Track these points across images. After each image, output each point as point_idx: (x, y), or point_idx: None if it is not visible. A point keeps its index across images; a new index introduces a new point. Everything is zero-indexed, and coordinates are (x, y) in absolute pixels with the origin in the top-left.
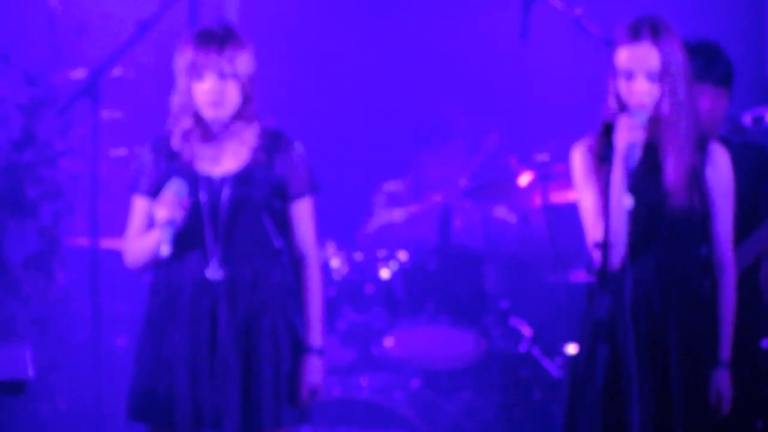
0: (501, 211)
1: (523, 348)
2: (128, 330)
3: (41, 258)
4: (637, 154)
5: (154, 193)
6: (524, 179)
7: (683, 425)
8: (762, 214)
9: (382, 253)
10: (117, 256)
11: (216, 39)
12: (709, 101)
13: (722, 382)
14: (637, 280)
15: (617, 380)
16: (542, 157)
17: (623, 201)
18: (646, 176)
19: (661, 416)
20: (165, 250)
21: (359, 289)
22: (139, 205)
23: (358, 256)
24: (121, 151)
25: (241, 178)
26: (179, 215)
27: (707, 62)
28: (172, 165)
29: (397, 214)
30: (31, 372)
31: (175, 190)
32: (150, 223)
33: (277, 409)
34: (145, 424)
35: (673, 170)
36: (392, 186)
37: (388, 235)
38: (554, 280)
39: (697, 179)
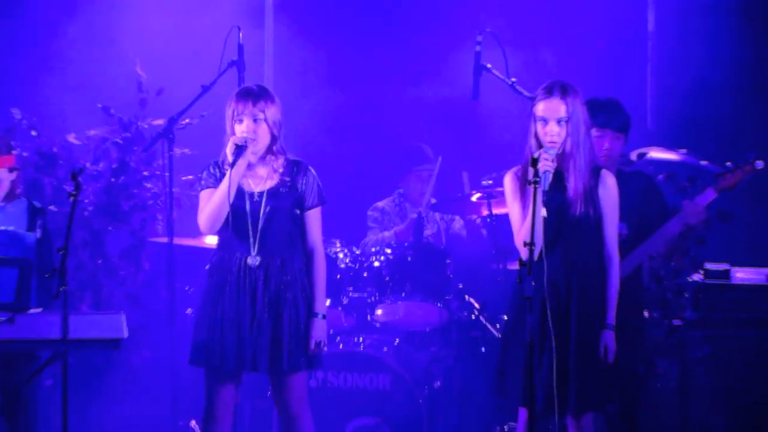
0: (458, 220)
1: (473, 316)
2: (192, 302)
3: (132, 251)
4: (550, 178)
5: (213, 187)
6: (475, 197)
7: (577, 370)
8: (652, 223)
9: (375, 249)
10: (185, 249)
11: (252, 94)
12: (609, 142)
13: (608, 339)
14: (550, 268)
15: (537, 337)
16: (487, 181)
17: (541, 212)
18: (555, 194)
19: (563, 363)
20: (230, 150)
21: (358, 274)
22: (206, 193)
23: (357, 250)
24: (188, 177)
25: (273, 194)
26: (240, 142)
27: (610, 114)
28: (222, 171)
29: (388, 234)
30: (125, 333)
31: (236, 138)
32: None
33: (294, 357)
34: (203, 367)
35: (573, 189)
36: (382, 204)
37: (381, 245)
38: (495, 268)
39: (591, 196)
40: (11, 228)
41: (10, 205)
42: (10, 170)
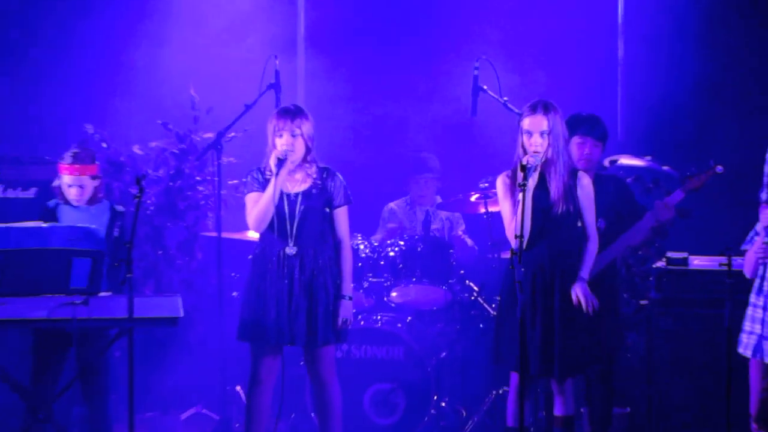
0: (461, 224)
1: (473, 297)
2: (238, 287)
3: (187, 244)
4: (536, 179)
5: (258, 191)
6: (474, 197)
7: (560, 341)
8: (625, 218)
9: (390, 241)
10: (231, 242)
11: (290, 113)
12: (590, 148)
13: (580, 289)
14: (536, 256)
15: (527, 314)
16: (484, 183)
17: (528, 208)
18: (539, 193)
19: (548, 335)
20: (273, 162)
21: (376, 262)
22: (251, 196)
23: (375, 242)
24: (234, 181)
25: (307, 195)
26: (281, 155)
27: (590, 126)
28: (267, 184)
29: (390, 225)
30: (181, 312)
31: (278, 152)
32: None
33: (326, 332)
34: (248, 341)
35: (555, 190)
36: (393, 204)
37: (391, 236)
38: (491, 257)
39: (571, 194)
40: (93, 226)
41: (94, 208)
42: (93, 178)
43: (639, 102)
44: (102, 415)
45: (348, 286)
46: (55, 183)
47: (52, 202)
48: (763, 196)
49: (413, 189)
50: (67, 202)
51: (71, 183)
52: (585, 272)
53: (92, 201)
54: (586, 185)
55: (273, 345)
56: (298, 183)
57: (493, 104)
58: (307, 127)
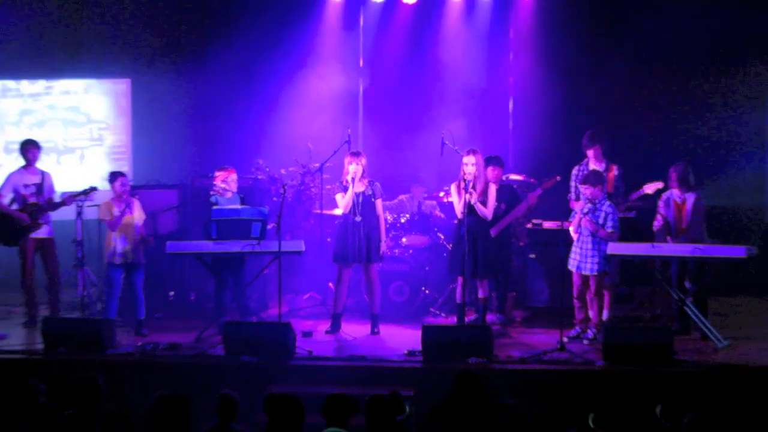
0: (436, 206)
1: (441, 241)
2: (331, 235)
3: (305, 216)
4: (469, 186)
5: (342, 192)
6: (441, 194)
7: (480, 260)
8: (513, 204)
9: (402, 214)
10: (327, 216)
11: (356, 154)
12: (498, 172)
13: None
14: (469, 222)
15: (465, 249)
16: (446, 188)
17: (467, 199)
18: (468, 195)
19: (474, 258)
20: (349, 178)
21: (393, 224)
22: (339, 195)
23: (394, 215)
24: (328, 186)
25: (364, 193)
26: (352, 175)
27: (497, 160)
28: (346, 187)
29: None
30: (303, 248)
31: (350, 174)
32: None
33: (374, 257)
34: (337, 263)
35: (478, 191)
36: (403, 197)
37: (401, 211)
38: (450, 222)
39: (485, 194)
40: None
41: (234, 196)
42: (229, 179)
43: (521, 144)
44: (245, 300)
45: (384, 235)
46: (221, 185)
47: (213, 198)
48: (572, 197)
49: (412, 191)
50: (221, 195)
51: (228, 186)
52: (495, 230)
53: (231, 192)
54: (491, 192)
55: (349, 263)
56: (360, 187)
57: (450, 150)
58: (364, 160)
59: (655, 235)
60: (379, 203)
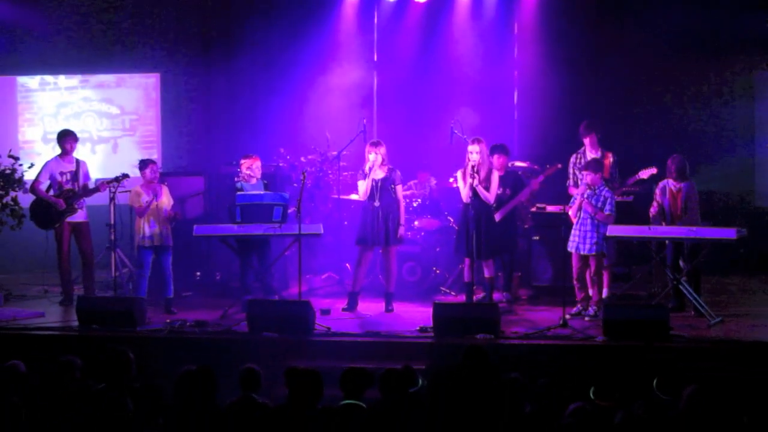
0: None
1: (450, 223)
2: (349, 220)
3: (323, 200)
4: (474, 172)
5: (362, 179)
6: (451, 180)
7: (485, 243)
8: (517, 189)
9: (414, 199)
10: (345, 201)
11: (375, 143)
12: (503, 159)
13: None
14: (475, 205)
15: (471, 231)
16: (454, 175)
17: (473, 185)
18: (472, 180)
19: (479, 239)
20: (369, 167)
21: (406, 208)
22: (361, 182)
23: (404, 202)
24: (345, 173)
25: (384, 180)
26: (371, 164)
27: (502, 148)
28: (365, 174)
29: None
30: (321, 231)
31: (370, 162)
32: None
33: (393, 239)
34: (358, 245)
35: (482, 176)
36: (413, 182)
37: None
38: (458, 206)
39: (488, 180)
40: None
41: (258, 182)
42: (253, 166)
43: (525, 134)
44: (269, 279)
45: (402, 219)
46: (246, 172)
47: (239, 184)
48: (570, 183)
49: (419, 176)
50: (246, 181)
51: (253, 173)
52: (499, 214)
53: (255, 179)
54: (494, 179)
55: (369, 246)
56: (380, 174)
57: (459, 139)
58: (383, 149)
59: (651, 221)
60: (399, 189)
